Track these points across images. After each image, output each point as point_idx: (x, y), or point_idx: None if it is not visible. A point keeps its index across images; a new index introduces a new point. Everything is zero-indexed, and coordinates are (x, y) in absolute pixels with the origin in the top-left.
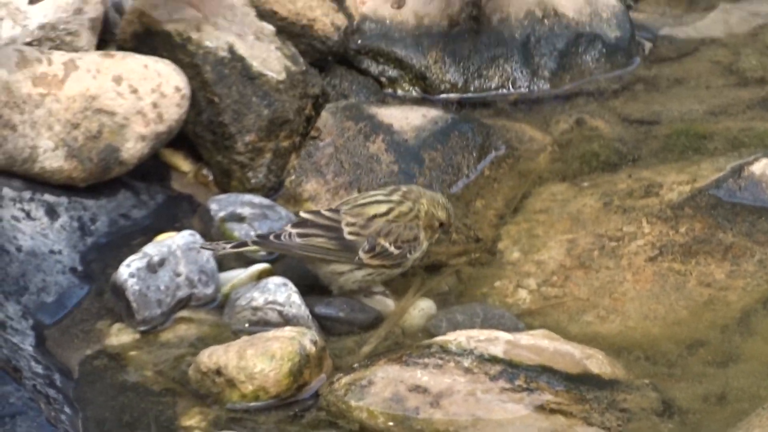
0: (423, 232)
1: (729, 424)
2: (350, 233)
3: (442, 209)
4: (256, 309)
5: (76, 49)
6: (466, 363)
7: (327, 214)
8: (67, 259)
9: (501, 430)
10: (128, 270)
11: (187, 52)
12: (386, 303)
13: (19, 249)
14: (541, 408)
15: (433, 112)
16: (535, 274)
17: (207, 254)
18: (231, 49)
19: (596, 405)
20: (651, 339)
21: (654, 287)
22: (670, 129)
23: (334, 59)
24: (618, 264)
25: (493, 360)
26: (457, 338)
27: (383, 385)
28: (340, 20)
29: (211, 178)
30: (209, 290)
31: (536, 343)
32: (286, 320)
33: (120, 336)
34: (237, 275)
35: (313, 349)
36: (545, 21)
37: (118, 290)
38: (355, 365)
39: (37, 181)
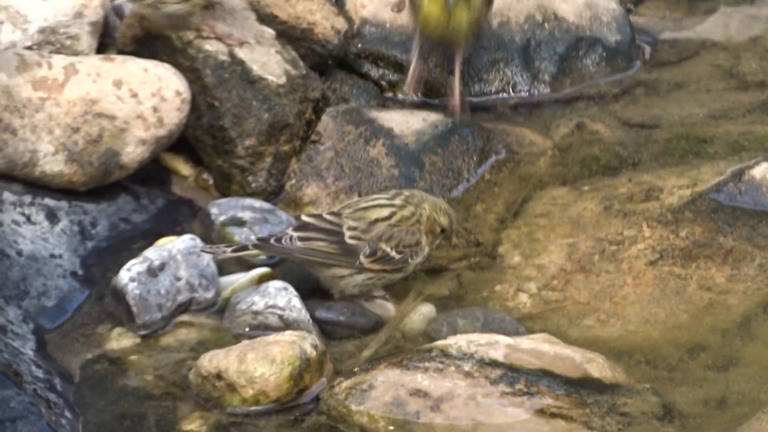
0: (425, 237)
1: (729, 428)
2: (351, 237)
3: (444, 215)
4: (256, 313)
5: (76, 53)
6: (467, 367)
7: (328, 217)
8: (67, 263)
9: None
10: (129, 274)
11: (188, 56)
12: (387, 307)
13: (19, 253)
14: (541, 412)
15: (433, 116)
16: (535, 278)
17: (207, 258)
18: (231, 53)
19: (597, 409)
20: (651, 343)
21: (654, 291)
22: (671, 133)
23: (335, 63)
24: (618, 268)
25: (494, 364)
26: (457, 342)
27: (384, 389)
28: (341, 24)
29: (211, 182)
30: (210, 294)
31: (537, 347)
32: (287, 324)
33: (120, 340)
34: (237, 279)
35: (314, 353)
36: (545, 25)
37: (119, 294)
38: (356, 369)
39: (37, 185)
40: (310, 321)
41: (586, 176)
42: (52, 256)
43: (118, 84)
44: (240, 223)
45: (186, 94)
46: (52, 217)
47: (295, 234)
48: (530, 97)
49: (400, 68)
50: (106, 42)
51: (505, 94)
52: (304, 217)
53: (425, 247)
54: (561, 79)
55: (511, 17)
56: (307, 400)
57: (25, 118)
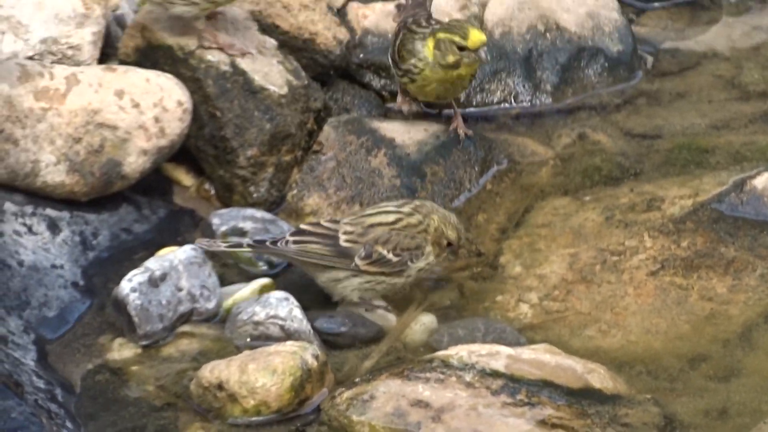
0: (431, 246)
1: None
2: (346, 240)
3: (453, 229)
4: (257, 323)
5: (77, 63)
6: (468, 377)
7: (326, 224)
8: (68, 273)
9: None
10: (130, 284)
11: (189, 66)
12: (388, 318)
13: (20, 263)
14: (542, 423)
15: (435, 127)
16: (536, 288)
17: (209, 269)
18: (233, 63)
19: (598, 420)
20: (652, 353)
21: (656, 301)
22: (672, 143)
23: (336, 73)
24: (620, 278)
25: (495, 374)
26: (458, 353)
27: (385, 399)
28: (342, 34)
29: (213, 192)
30: (211, 305)
31: (538, 358)
32: (288, 335)
33: (122, 351)
34: (239, 290)
35: (315, 363)
36: (547, 35)
37: (120, 305)
38: (357, 380)
39: (38, 196)
40: (312, 331)
41: (587, 186)
42: (54, 266)
43: (119, 94)
44: (241, 233)
45: (188, 104)
46: (53, 227)
47: (291, 238)
48: (532, 107)
49: None
50: (107, 52)
51: (507, 104)
52: (302, 226)
53: (430, 255)
54: (563, 89)
55: (513, 27)
56: (308, 411)
57: (27, 129)
